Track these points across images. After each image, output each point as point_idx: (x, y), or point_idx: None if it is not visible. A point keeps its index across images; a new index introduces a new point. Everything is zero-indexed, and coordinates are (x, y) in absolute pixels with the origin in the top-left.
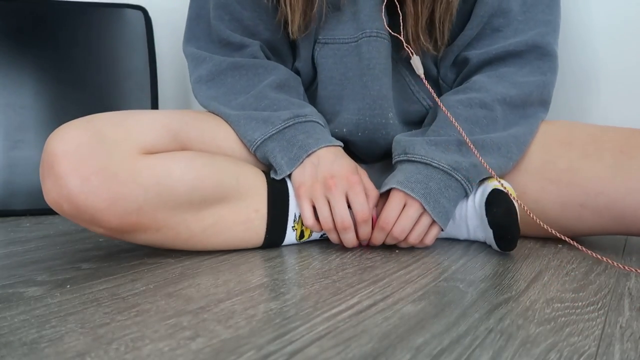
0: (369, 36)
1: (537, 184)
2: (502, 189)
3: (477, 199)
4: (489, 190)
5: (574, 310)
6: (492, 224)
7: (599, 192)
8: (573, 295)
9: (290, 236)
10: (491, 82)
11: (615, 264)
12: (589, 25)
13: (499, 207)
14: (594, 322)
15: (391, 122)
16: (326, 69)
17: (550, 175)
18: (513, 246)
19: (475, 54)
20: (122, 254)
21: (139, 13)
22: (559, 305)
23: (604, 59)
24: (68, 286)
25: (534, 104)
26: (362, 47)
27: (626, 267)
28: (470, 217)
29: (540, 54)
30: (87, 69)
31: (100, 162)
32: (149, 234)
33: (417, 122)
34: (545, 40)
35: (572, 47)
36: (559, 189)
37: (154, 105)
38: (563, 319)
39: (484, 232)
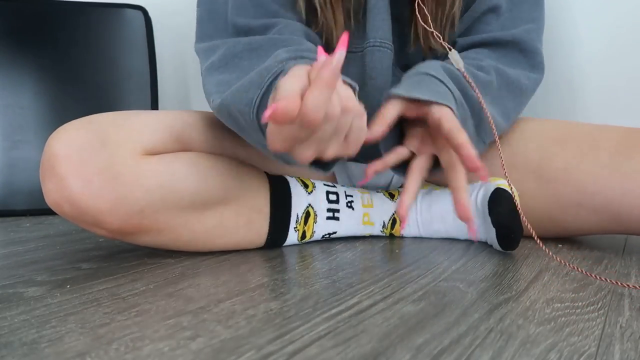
0: (373, 46)
1: (533, 183)
2: (505, 187)
3: (480, 198)
4: (491, 189)
5: (574, 310)
6: (495, 223)
7: (596, 192)
8: (573, 295)
9: (292, 237)
10: (480, 57)
11: (610, 280)
12: (585, 25)
13: (502, 207)
14: (594, 322)
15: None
16: None
17: (547, 174)
18: (515, 245)
19: (459, 40)
20: (122, 254)
21: (139, 13)
22: (559, 305)
23: (598, 58)
24: (68, 286)
25: (520, 89)
26: (366, 56)
27: (619, 284)
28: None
29: (522, 49)
30: (87, 69)
31: (103, 164)
32: (151, 235)
33: None
34: (529, 37)
35: (567, 46)
36: (555, 188)
37: (154, 105)
38: (563, 319)
39: (485, 232)
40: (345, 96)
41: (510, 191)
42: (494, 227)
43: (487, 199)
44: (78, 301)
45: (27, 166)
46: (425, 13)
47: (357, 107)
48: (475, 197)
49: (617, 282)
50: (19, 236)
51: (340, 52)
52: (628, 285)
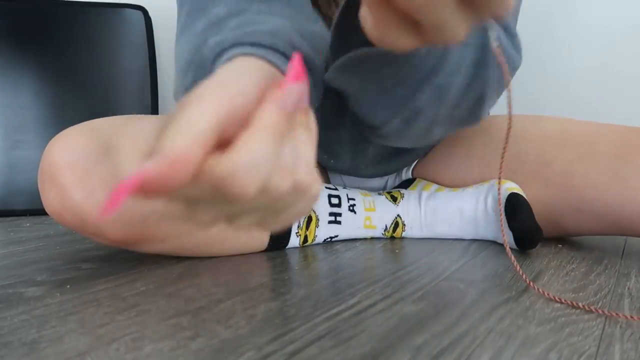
0: None
1: (532, 187)
2: (517, 191)
3: (490, 202)
4: (504, 194)
5: (574, 310)
6: (519, 230)
7: (595, 198)
8: (573, 295)
9: (294, 241)
10: None
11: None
12: (587, 24)
13: (522, 213)
14: (594, 322)
15: (370, 156)
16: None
17: (545, 179)
18: (535, 246)
19: None
20: (122, 254)
21: (139, 13)
22: (559, 305)
23: (601, 56)
24: (68, 286)
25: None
26: None
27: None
28: (480, 218)
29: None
30: (87, 69)
31: (107, 173)
32: (154, 244)
33: None
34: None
35: (561, 45)
36: (554, 193)
37: (154, 105)
38: (563, 319)
39: (494, 233)
40: (304, 159)
41: (522, 194)
42: (516, 233)
43: (503, 204)
44: (78, 301)
45: (27, 166)
46: None
47: (315, 186)
48: (485, 200)
49: (610, 313)
50: (19, 236)
51: (298, 85)
52: (626, 316)
